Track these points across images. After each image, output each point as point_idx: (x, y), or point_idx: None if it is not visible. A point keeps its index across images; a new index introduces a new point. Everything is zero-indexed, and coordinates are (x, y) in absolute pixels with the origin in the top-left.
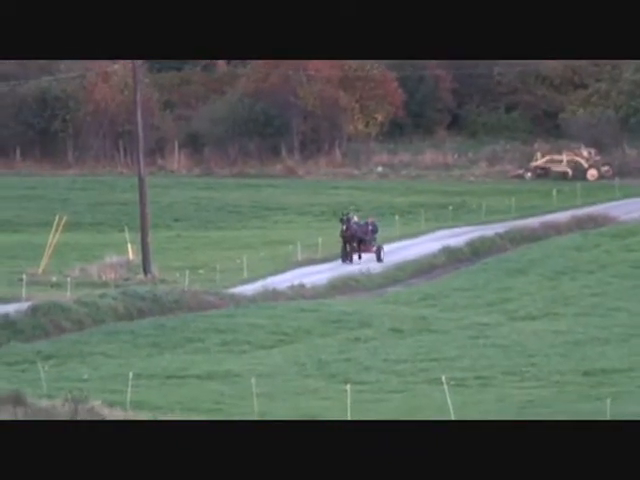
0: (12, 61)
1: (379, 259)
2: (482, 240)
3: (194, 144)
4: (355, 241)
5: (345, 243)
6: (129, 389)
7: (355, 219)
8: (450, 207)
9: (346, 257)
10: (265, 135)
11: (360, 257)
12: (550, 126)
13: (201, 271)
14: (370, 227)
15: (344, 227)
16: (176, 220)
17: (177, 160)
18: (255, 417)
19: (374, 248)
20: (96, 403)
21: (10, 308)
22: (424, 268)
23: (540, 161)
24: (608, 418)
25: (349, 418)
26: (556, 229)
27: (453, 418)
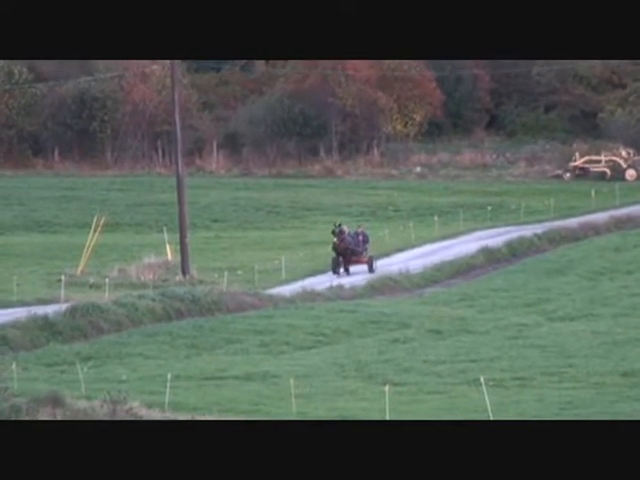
0: (51, 61)
1: (371, 270)
2: (520, 240)
3: (233, 144)
4: (348, 253)
5: (337, 255)
6: (167, 390)
7: (345, 229)
8: (489, 207)
9: (338, 269)
10: (304, 135)
11: (348, 272)
12: (588, 126)
13: (239, 272)
14: (361, 237)
15: (337, 240)
16: (214, 221)
17: (215, 160)
18: (293, 417)
19: (366, 259)
20: (134, 404)
21: (49, 309)
22: (462, 268)
23: (579, 161)
24: None
25: (388, 419)
26: (595, 229)
27: (492, 419)
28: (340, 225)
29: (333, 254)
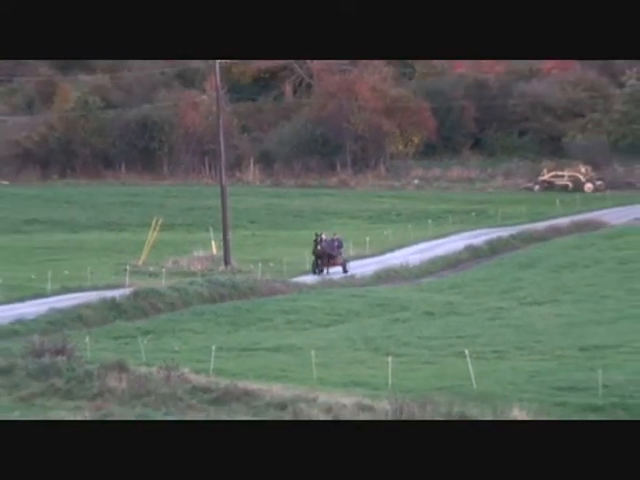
0: (120, 92)
1: (344, 271)
2: (498, 240)
3: (266, 160)
4: (325, 257)
5: (317, 259)
6: (212, 359)
7: (324, 237)
8: (473, 213)
9: (317, 269)
10: (323, 153)
11: (328, 272)
12: (554, 148)
13: (271, 263)
14: (336, 243)
15: (318, 246)
16: (251, 222)
17: (252, 173)
18: (314, 382)
19: (340, 261)
20: (185, 370)
21: (116, 293)
22: (451, 262)
23: (546, 176)
24: (600, 385)
25: (390, 384)
26: (558, 231)
27: (475, 385)
28: (320, 234)
29: (313, 258)
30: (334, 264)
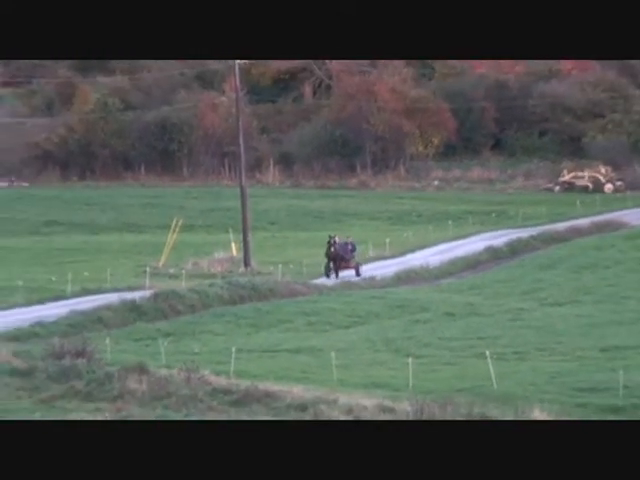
0: (139, 94)
1: (357, 274)
2: (519, 241)
3: (286, 162)
4: (338, 259)
5: (329, 261)
6: (232, 361)
7: (337, 239)
8: (493, 214)
9: (329, 273)
10: (343, 155)
11: (337, 275)
12: (574, 148)
13: (291, 265)
14: (349, 247)
15: (331, 248)
16: (271, 223)
17: (272, 175)
18: (335, 384)
19: (353, 264)
20: (205, 372)
21: (136, 295)
22: (472, 263)
23: (566, 177)
24: (621, 386)
25: (411, 385)
26: (579, 232)
27: (495, 386)
28: (334, 236)
29: (325, 260)
30: (347, 267)
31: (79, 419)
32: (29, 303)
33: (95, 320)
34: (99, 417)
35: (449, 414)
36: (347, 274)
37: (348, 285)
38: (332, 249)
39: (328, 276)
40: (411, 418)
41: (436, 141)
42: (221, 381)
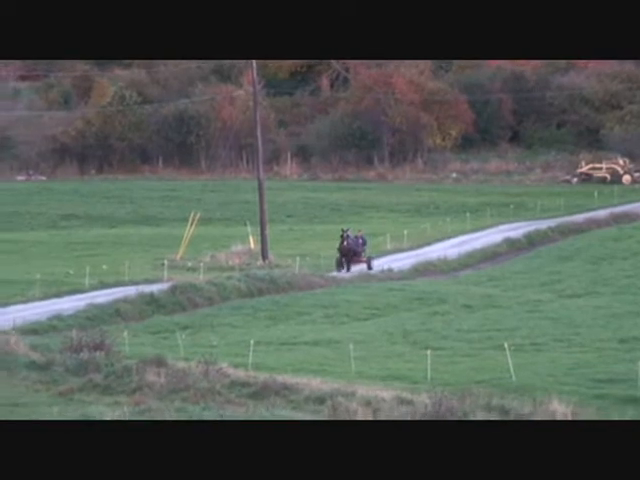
0: (156, 87)
1: (369, 268)
2: (537, 232)
3: (303, 154)
4: (350, 254)
5: (342, 255)
6: (250, 353)
7: (350, 234)
8: (511, 206)
9: (341, 267)
10: (361, 147)
11: (349, 269)
12: (592, 140)
13: (308, 258)
14: (360, 240)
15: (344, 242)
16: (288, 216)
17: (289, 167)
18: (353, 376)
19: (364, 259)
20: (224, 365)
21: (154, 288)
22: (489, 255)
23: (584, 168)
24: (639, 377)
25: (429, 377)
26: (597, 223)
27: (514, 378)
28: (347, 230)
29: (337, 255)
30: (358, 261)
31: (80, 419)
32: (47, 297)
33: (113, 313)
34: (117, 411)
35: (468, 406)
36: (357, 268)
37: (366, 277)
38: (345, 243)
39: (339, 270)
40: (429, 410)
41: (454, 133)
42: (239, 374)
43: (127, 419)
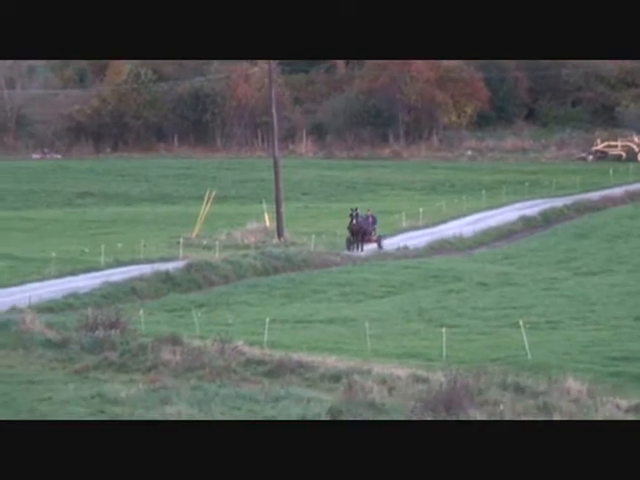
0: (172, 64)
1: (379, 247)
2: (552, 210)
3: (318, 132)
4: (361, 233)
5: (352, 235)
6: (266, 331)
7: (359, 212)
8: (526, 183)
9: (352, 246)
10: (376, 125)
11: (362, 249)
12: (607, 117)
13: (324, 235)
14: (370, 219)
15: (353, 221)
16: (304, 194)
17: (305, 145)
18: (368, 354)
19: (375, 238)
20: (239, 343)
21: (170, 266)
22: (505, 233)
23: (599, 146)
24: None
25: (444, 355)
26: (612, 201)
27: (529, 356)
28: (356, 209)
29: (348, 234)
30: (369, 241)
31: (82, 419)
32: (62, 275)
33: (128, 291)
34: (133, 388)
35: (483, 384)
36: (367, 248)
37: (382, 255)
38: (354, 221)
39: (350, 250)
40: (444, 388)
41: (469, 111)
42: (255, 352)
43: (127, 419)
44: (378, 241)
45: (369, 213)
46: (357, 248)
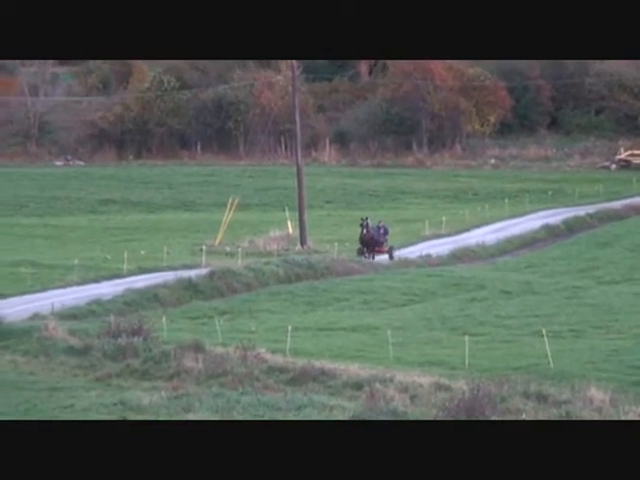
0: (195, 72)
1: (391, 258)
2: (575, 219)
3: (342, 140)
4: (372, 243)
5: (363, 245)
6: (288, 339)
7: (369, 222)
8: (549, 192)
9: (363, 257)
10: (399, 133)
11: (374, 258)
12: (631, 126)
13: (347, 243)
14: (382, 230)
15: (364, 231)
16: (327, 202)
17: (328, 153)
18: (391, 362)
19: (386, 249)
20: (261, 350)
21: (192, 273)
22: (528, 241)
23: (623, 155)
24: None
25: (467, 363)
26: (636, 210)
27: (552, 364)
28: (367, 219)
29: (359, 245)
30: (380, 251)
31: (80, 419)
32: (85, 282)
33: (151, 298)
34: (155, 396)
35: (505, 392)
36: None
37: (404, 263)
38: (365, 231)
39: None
40: (467, 396)
41: (492, 119)
42: (277, 359)
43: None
44: (390, 252)
45: (381, 224)
46: (369, 258)
